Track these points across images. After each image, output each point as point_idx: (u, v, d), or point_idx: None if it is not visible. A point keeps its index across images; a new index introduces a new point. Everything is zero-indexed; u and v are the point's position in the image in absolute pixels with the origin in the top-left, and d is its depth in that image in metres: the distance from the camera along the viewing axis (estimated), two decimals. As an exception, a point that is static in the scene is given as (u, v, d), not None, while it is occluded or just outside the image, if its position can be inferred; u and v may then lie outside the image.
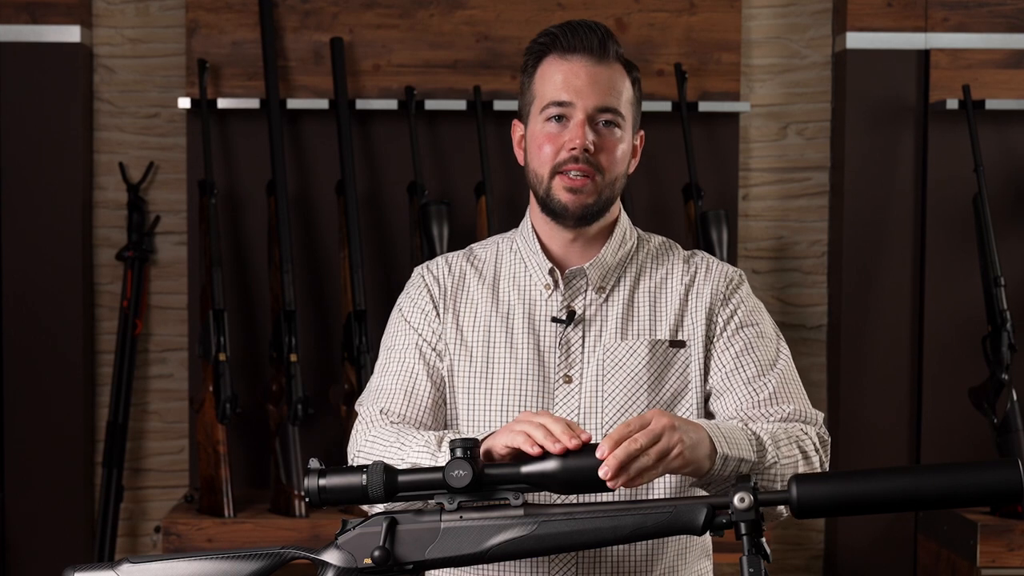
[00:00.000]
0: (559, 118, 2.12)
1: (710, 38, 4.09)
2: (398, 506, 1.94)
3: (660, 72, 4.08)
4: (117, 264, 4.13)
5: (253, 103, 4.00)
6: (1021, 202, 4.11)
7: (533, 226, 2.21)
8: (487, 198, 3.93)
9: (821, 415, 2.16)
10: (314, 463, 1.88)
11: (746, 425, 2.04)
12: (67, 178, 4.05)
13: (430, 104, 4.02)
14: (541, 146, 2.14)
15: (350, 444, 2.14)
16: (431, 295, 2.22)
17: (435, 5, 4.07)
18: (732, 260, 4.04)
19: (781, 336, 2.22)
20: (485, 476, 1.86)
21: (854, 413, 4.11)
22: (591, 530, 1.85)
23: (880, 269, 4.11)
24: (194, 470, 4.02)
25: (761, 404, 2.12)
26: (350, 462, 2.10)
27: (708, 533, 1.86)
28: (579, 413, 2.12)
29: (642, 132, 2.23)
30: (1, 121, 4.03)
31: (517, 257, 2.23)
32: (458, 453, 1.84)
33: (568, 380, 2.14)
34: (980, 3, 4.08)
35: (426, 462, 1.98)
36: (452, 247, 3.80)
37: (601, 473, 1.83)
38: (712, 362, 2.16)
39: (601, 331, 2.16)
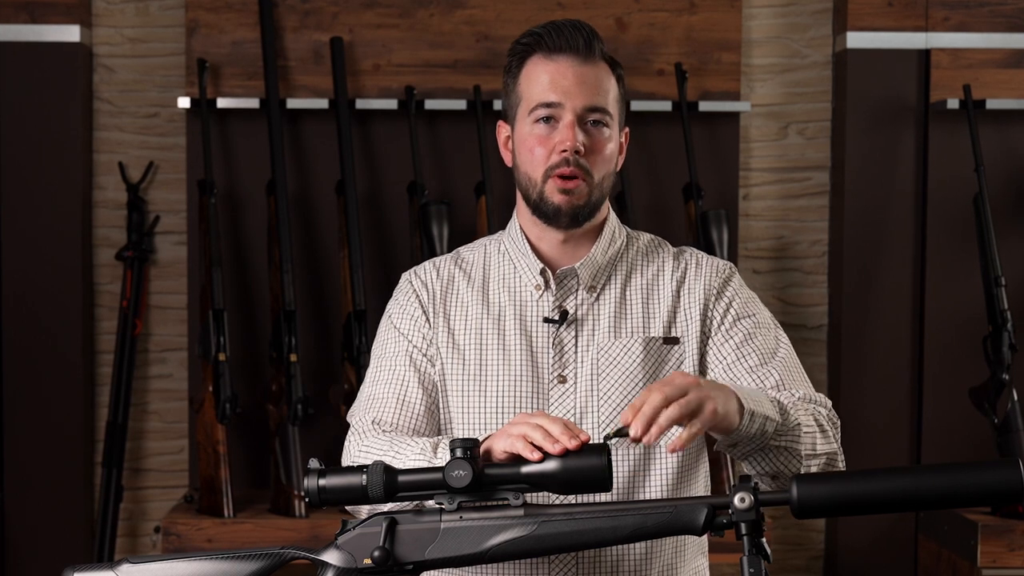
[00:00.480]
0: (548, 119, 2.12)
1: (710, 38, 4.09)
2: (387, 507, 1.93)
3: (660, 72, 4.08)
4: (117, 264, 4.13)
5: (253, 103, 3.99)
6: (1022, 202, 4.11)
7: (521, 227, 2.21)
8: (487, 198, 3.93)
9: (828, 400, 2.17)
10: (314, 463, 1.88)
11: (765, 391, 2.04)
12: (67, 178, 4.04)
13: (430, 104, 4.02)
14: (532, 149, 2.13)
15: (344, 456, 2.13)
16: (420, 301, 2.21)
17: (435, 5, 4.07)
18: (732, 260, 4.04)
19: (778, 324, 2.23)
20: (485, 476, 1.85)
21: (854, 413, 4.10)
22: (591, 530, 1.85)
23: (881, 269, 4.11)
24: (194, 470, 4.02)
25: (768, 392, 2.12)
26: None
27: (707, 533, 1.86)
28: (575, 413, 2.11)
29: (627, 129, 2.22)
30: (1, 121, 4.03)
31: (506, 258, 2.22)
32: (458, 453, 1.84)
33: (562, 380, 2.13)
34: (981, 3, 4.08)
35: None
36: (452, 247, 3.78)
37: (632, 432, 1.82)
38: (711, 356, 2.16)
39: (594, 330, 2.15)
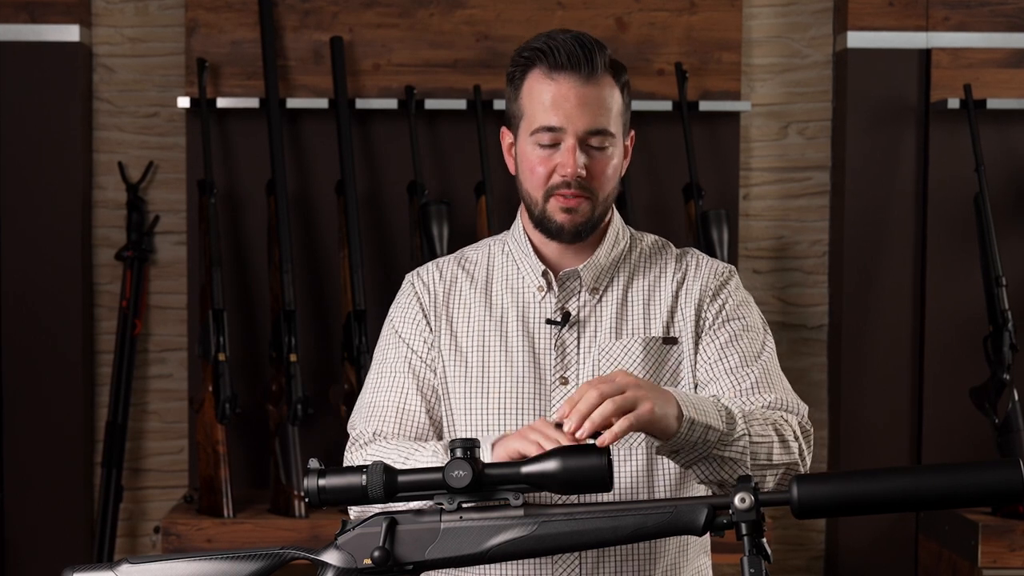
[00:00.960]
0: (550, 141, 2.11)
1: (711, 37, 4.09)
2: (397, 506, 1.94)
3: (661, 71, 4.08)
4: (116, 264, 4.13)
5: (253, 102, 3.99)
6: (1022, 202, 4.10)
7: (524, 229, 2.21)
8: (487, 198, 3.92)
9: (805, 408, 2.15)
10: (314, 463, 1.88)
11: (717, 400, 2.04)
12: (66, 178, 4.04)
13: (430, 104, 4.02)
14: (533, 169, 2.13)
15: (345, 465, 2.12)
16: (421, 304, 2.21)
17: (435, 4, 4.06)
18: (732, 260, 4.04)
19: (768, 330, 2.22)
20: (485, 476, 1.85)
21: (855, 413, 4.10)
22: (591, 530, 1.85)
23: (881, 269, 4.11)
24: (193, 470, 4.02)
25: (743, 393, 2.12)
26: None
27: (708, 533, 1.85)
28: None
29: (632, 132, 2.22)
30: (0, 121, 4.03)
31: (509, 259, 2.22)
32: (458, 453, 1.84)
33: (564, 381, 2.13)
34: (981, 2, 4.08)
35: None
36: (452, 247, 3.79)
37: (565, 427, 1.84)
38: (698, 354, 2.16)
39: (596, 331, 2.16)
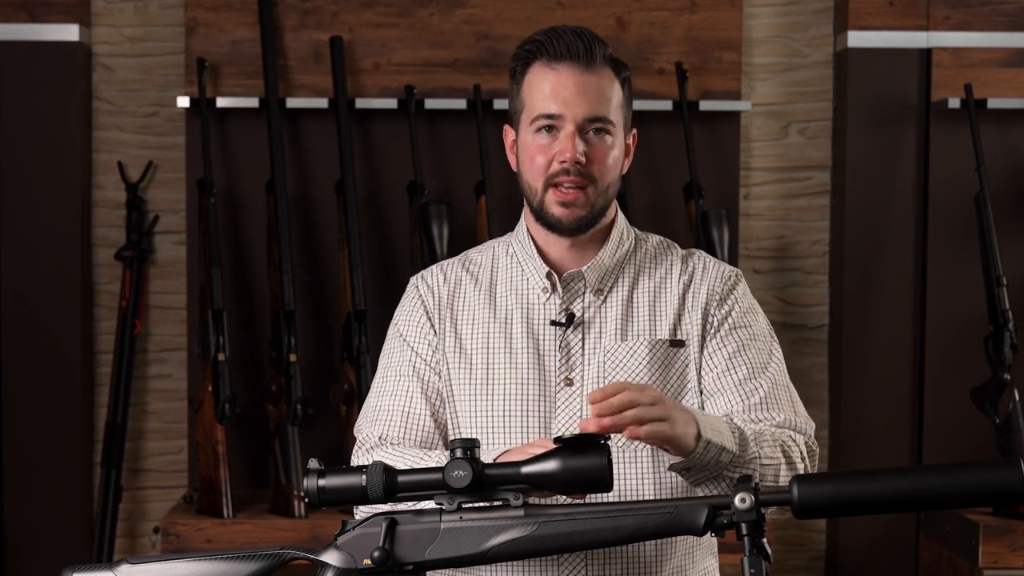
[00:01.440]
0: (549, 128, 2.12)
1: (711, 37, 4.08)
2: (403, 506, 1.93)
3: (661, 71, 4.07)
4: (116, 264, 4.12)
5: (252, 102, 3.99)
6: (1023, 201, 4.10)
7: (528, 230, 2.21)
8: (487, 198, 3.92)
9: (813, 426, 2.17)
10: (313, 463, 1.87)
11: (731, 420, 2.04)
12: (66, 177, 4.04)
13: (430, 103, 4.01)
14: (533, 158, 2.13)
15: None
16: (425, 307, 2.22)
17: (435, 4, 4.06)
18: (733, 260, 4.04)
19: (775, 338, 2.22)
20: (485, 476, 1.85)
21: (855, 413, 4.10)
22: (592, 531, 1.85)
23: (881, 269, 4.11)
24: (193, 470, 4.01)
25: (752, 409, 2.12)
26: None
27: (710, 533, 1.85)
28: (581, 415, 2.11)
29: (635, 130, 2.22)
30: (0, 121, 4.02)
31: (514, 261, 2.22)
32: (458, 453, 1.84)
33: (569, 383, 2.13)
34: (982, 2, 4.07)
35: None
36: (452, 247, 3.79)
37: (593, 411, 1.86)
38: (704, 361, 2.16)
39: (601, 333, 2.15)
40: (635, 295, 2.19)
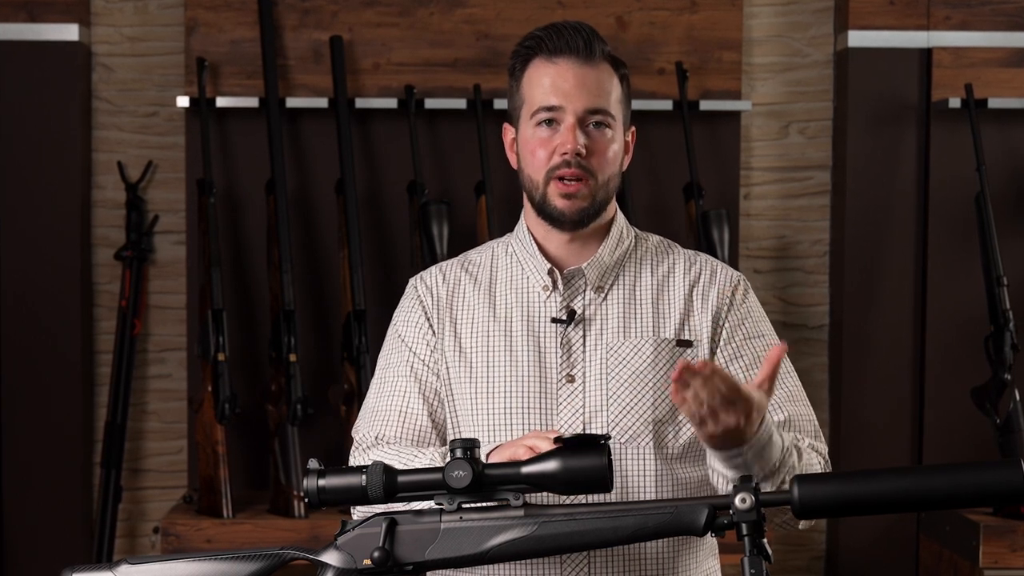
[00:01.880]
0: (549, 122, 2.13)
1: (711, 36, 4.08)
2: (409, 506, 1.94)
3: (661, 71, 4.07)
4: (116, 264, 4.12)
5: (252, 102, 3.99)
6: (1023, 201, 4.10)
7: (528, 228, 2.21)
8: (487, 197, 3.92)
9: (825, 447, 2.18)
10: (313, 463, 1.87)
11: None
12: (65, 177, 4.03)
13: (430, 103, 4.01)
14: (534, 151, 2.14)
15: None
16: (424, 308, 2.22)
17: (435, 3, 4.06)
18: (733, 260, 4.04)
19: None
20: (485, 476, 1.85)
21: (856, 413, 4.10)
22: (592, 531, 1.84)
23: (882, 269, 4.10)
24: (193, 470, 4.01)
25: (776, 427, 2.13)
26: None
27: (710, 533, 1.85)
28: (583, 412, 2.11)
29: (633, 128, 2.23)
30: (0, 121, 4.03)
31: (513, 260, 2.22)
32: (458, 453, 1.83)
33: (571, 379, 2.13)
34: (982, 2, 4.07)
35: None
36: (452, 247, 3.79)
37: (697, 364, 1.83)
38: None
39: (602, 330, 2.15)
40: (637, 292, 2.19)
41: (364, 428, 2.19)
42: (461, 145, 4.06)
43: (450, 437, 2.17)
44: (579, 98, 2.11)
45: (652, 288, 2.19)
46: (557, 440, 1.84)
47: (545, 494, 1.98)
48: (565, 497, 1.98)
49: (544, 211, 2.15)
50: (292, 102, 4.00)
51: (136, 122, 4.15)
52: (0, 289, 4.03)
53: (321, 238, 4.08)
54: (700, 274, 2.21)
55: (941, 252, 4.09)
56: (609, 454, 1.82)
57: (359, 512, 2.05)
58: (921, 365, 4.11)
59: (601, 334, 2.15)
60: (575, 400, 2.12)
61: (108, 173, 4.14)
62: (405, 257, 4.02)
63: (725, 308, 2.18)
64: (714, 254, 3.89)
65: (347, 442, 2.21)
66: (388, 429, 2.16)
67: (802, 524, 2.07)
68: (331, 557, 1.87)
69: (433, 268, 2.27)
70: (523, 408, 2.12)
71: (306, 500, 1.88)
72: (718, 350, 2.17)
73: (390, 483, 1.85)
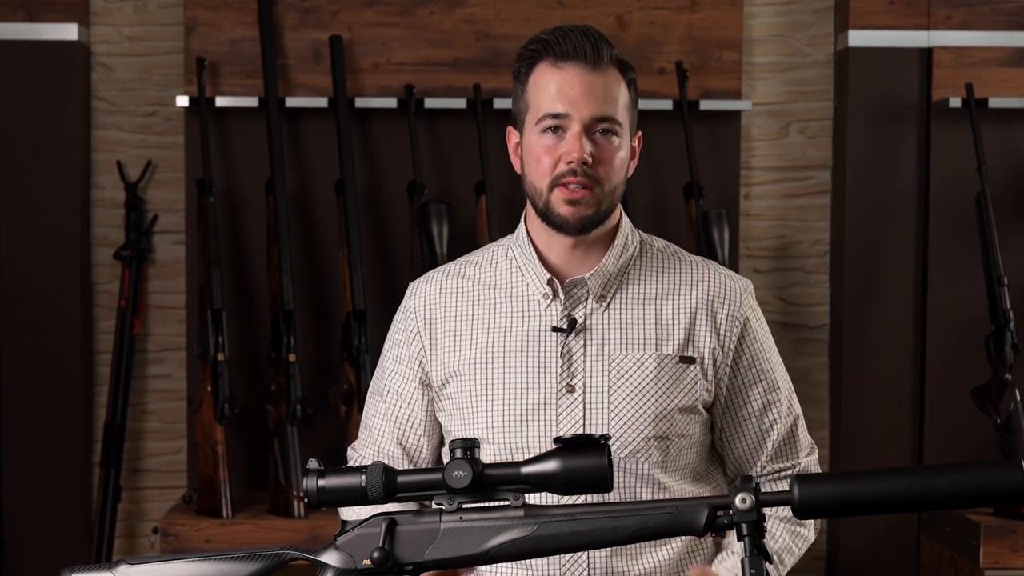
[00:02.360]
0: (555, 129, 2.09)
1: (711, 36, 4.08)
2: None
3: (661, 70, 4.07)
4: (115, 263, 4.12)
5: (252, 101, 3.98)
6: (1023, 201, 4.10)
7: (529, 234, 2.18)
8: (487, 197, 3.91)
9: (815, 455, 2.22)
10: (313, 464, 1.87)
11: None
12: (65, 177, 4.03)
13: (430, 103, 4.01)
14: (539, 159, 2.10)
15: None
16: (417, 319, 2.21)
17: (435, 3, 4.05)
18: (733, 260, 4.03)
19: (781, 362, 2.23)
20: (485, 477, 1.84)
21: (856, 413, 4.09)
22: (592, 531, 1.84)
23: (882, 268, 4.10)
24: (192, 471, 4.01)
25: (771, 459, 2.20)
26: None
27: (710, 535, 1.85)
28: (583, 424, 2.10)
29: (640, 133, 2.19)
30: (-1, 120, 4.03)
31: (513, 265, 2.19)
32: (458, 454, 1.83)
33: (571, 390, 2.12)
34: (983, 1, 4.07)
35: None
36: (452, 247, 3.79)
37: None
38: (721, 390, 2.16)
39: (604, 340, 2.13)
40: (640, 302, 2.16)
41: (361, 448, 2.26)
42: (461, 145, 4.06)
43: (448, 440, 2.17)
44: (586, 105, 2.08)
45: (656, 298, 2.16)
46: (557, 440, 1.84)
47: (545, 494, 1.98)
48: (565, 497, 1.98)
49: (548, 217, 2.12)
50: (292, 102, 4.00)
51: (136, 122, 4.15)
52: (0, 289, 4.03)
53: (321, 238, 4.07)
54: (707, 287, 2.17)
55: (941, 252, 4.08)
56: (609, 454, 1.82)
57: (341, 513, 2.07)
58: (921, 365, 4.11)
59: (603, 345, 2.13)
60: (575, 411, 2.11)
61: (107, 173, 4.14)
62: (405, 257, 4.02)
63: (737, 333, 2.16)
64: (714, 254, 3.88)
65: (347, 442, 2.22)
66: (384, 445, 2.21)
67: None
68: (331, 557, 1.87)
69: (432, 275, 2.25)
70: (522, 418, 2.11)
71: (306, 500, 1.88)
72: (719, 367, 2.15)
73: (390, 483, 1.84)
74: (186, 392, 4.07)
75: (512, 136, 2.19)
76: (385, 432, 2.22)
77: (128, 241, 4.08)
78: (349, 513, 2.18)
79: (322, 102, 3.99)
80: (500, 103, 3.98)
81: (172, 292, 4.15)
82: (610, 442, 2.09)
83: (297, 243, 4.03)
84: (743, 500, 1.78)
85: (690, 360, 2.13)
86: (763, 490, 1.88)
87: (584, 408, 2.10)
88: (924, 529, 4.05)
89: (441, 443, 2.24)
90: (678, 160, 4.05)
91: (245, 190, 4.06)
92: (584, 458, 1.82)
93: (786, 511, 2.17)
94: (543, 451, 1.92)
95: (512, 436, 2.11)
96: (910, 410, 4.11)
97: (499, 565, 2.07)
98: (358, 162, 4.03)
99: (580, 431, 2.09)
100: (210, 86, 4.00)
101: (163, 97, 4.13)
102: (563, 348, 2.13)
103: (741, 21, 4.10)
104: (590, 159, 2.07)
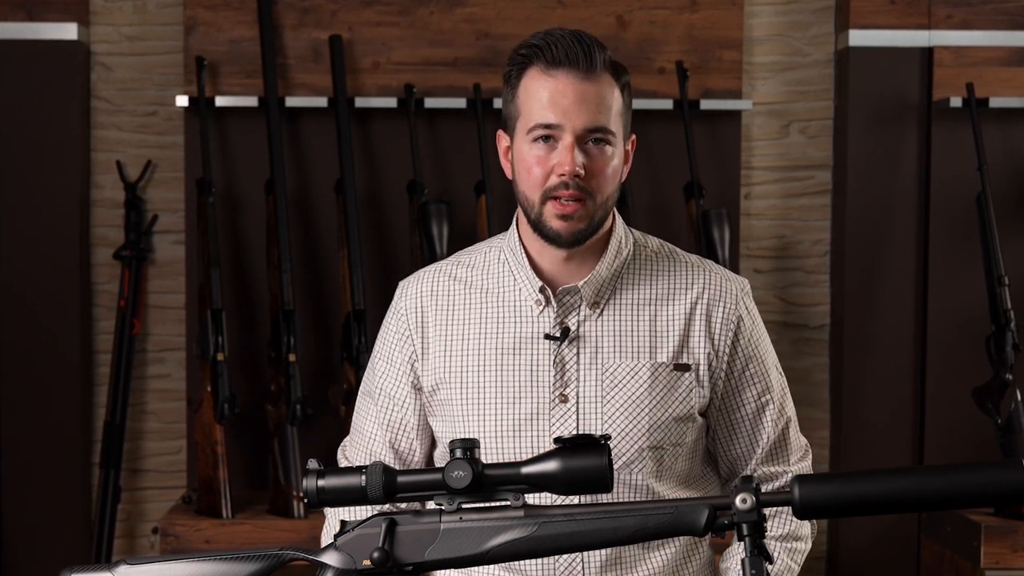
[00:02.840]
0: (547, 139, 2.04)
1: (712, 36, 4.08)
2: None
3: (661, 70, 4.06)
4: (115, 263, 4.12)
5: (252, 101, 3.98)
6: (1024, 201, 4.10)
7: (521, 239, 2.14)
8: (487, 197, 3.91)
9: (810, 458, 2.22)
10: (313, 464, 1.86)
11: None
12: (64, 177, 4.03)
13: (430, 102, 4.01)
14: (530, 169, 2.05)
15: None
16: (409, 323, 2.17)
17: (435, 3, 4.05)
18: (734, 259, 4.03)
19: (778, 363, 2.22)
20: (485, 477, 1.84)
21: (856, 413, 4.09)
22: (592, 531, 1.83)
23: (883, 268, 4.10)
24: (192, 471, 4.00)
25: (762, 463, 2.18)
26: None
27: (710, 535, 1.84)
28: (576, 433, 2.08)
29: (634, 136, 2.15)
30: (-2, 119, 4.03)
31: (506, 269, 2.15)
32: (458, 454, 1.83)
33: (564, 399, 2.09)
34: (984, 1, 4.07)
35: None
36: (452, 246, 3.78)
37: None
38: (716, 393, 2.14)
39: (597, 348, 2.10)
40: (634, 308, 2.13)
41: (350, 452, 2.28)
42: (461, 145, 4.05)
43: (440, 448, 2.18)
44: (578, 116, 2.02)
45: (650, 303, 2.13)
46: (557, 440, 1.84)
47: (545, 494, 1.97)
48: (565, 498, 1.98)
49: (540, 230, 2.08)
50: (292, 101, 4.00)
51: (135, 121, 4.14)
52: (0, 289, 4.03)
53: (321, 238, 4.07)
54: (702, 291, 2.14)
55: (942, 252, 4.08)
56: (609, 454, 1.81)
57: (327, 512, 2.09)
58: (922, 365, 4.11)
59: (596, 353, 2.10)
60: (568, 421, 2.08)
61: (107, 172, 4.14)
62: (405, 257, 4.02)
63: (730, 332, 2.14)
64: (714, 254, 3.88)
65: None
66: (375, 447, 2.22)
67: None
68: (331, 557, 1.86)
69: (422, 274, 2.21)
70: (514, 428, 2.09)
71: (305, 500, 1.87)
72: (715, 372, 2.13)
73: (390, 483, 1.84)
74: (186, 392, 4.07)
75: (502, 140, 2.14)
76: (377, 435, 2.21)
77: (128, 241, 4.07)
78: (334, 513, 2.19)
79: (322, 102, 3.99)
80: (500, 103, 3.97)
81: (172, 292, 4.14)
82: None
83: (297, 243, 4.03)
84: (743, 500, 1.78)
85: (685, 367, 2.11)
86: (763, 490, 1.87)
87: (578, 419, 2.08)
88: (925, 529, 4.05)
89: (433, 446, 2.23)
90: (678, 160, 4.04)
91: (245, 190, 4.06)
92: (584, 458, 1.82)
93: (780, 529, 2.16)
94: None
95: (504, 446, 2.09)
96: (910, 410, 4.11)
97: (491, 569, 2.06)
98: (358, 162, 4.03)
99: None
100: (210, 86, 4.00)
101: (163, 97, 4.13)
102: (556, 357, 2.10)
103: (741, 21, 4.10)
104: (583, 171, 2.03)
